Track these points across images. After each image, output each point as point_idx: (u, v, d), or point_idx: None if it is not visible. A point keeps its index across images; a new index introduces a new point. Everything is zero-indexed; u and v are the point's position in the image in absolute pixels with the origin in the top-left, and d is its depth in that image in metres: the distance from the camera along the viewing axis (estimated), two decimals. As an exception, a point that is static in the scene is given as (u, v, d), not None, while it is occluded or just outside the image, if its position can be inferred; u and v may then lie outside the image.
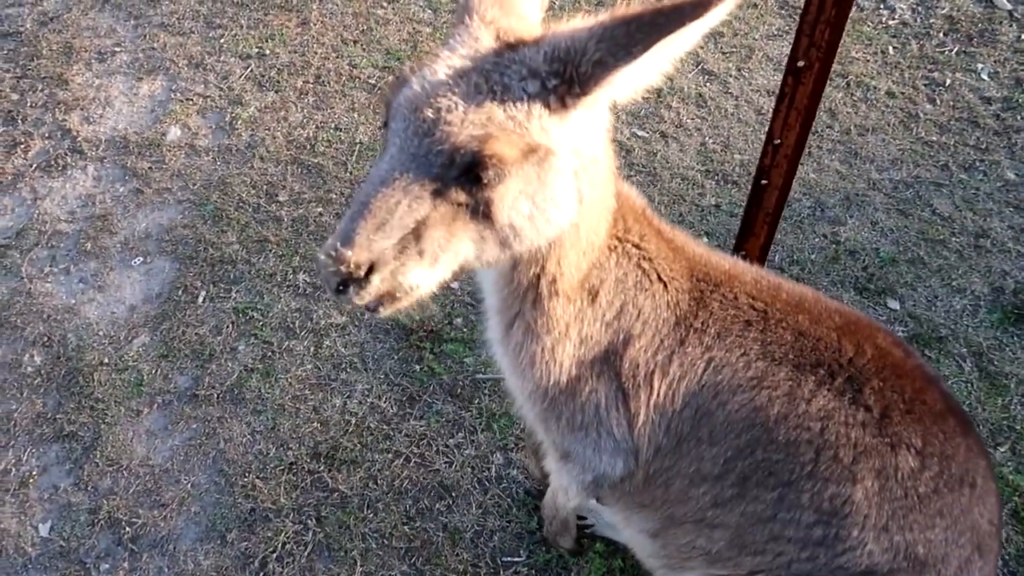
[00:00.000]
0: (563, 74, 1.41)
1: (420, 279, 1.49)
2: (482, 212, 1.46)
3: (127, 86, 4.46)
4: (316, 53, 4.64)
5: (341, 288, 1.44)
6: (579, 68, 1.39)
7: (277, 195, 3.85)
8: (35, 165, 4.01)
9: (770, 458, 1.76)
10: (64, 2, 5.02)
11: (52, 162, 4.03)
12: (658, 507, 1.98)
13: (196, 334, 3.31)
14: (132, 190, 3.90)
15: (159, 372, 3.19)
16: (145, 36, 4.78)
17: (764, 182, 2.46)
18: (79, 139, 4.14)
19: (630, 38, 1.35)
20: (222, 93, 4.41)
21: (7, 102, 4.34)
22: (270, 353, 3.24)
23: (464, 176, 1.41)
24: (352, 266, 1.39)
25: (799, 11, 5.03)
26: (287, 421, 3.03)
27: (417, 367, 3.17)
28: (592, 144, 1.55)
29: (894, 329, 3.26)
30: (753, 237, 2.62)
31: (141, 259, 3.61)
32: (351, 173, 3.94)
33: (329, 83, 4.45)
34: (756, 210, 2.55)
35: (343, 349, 3.24)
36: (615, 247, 1.77)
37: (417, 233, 1.43)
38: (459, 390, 3.09)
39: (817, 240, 3.62)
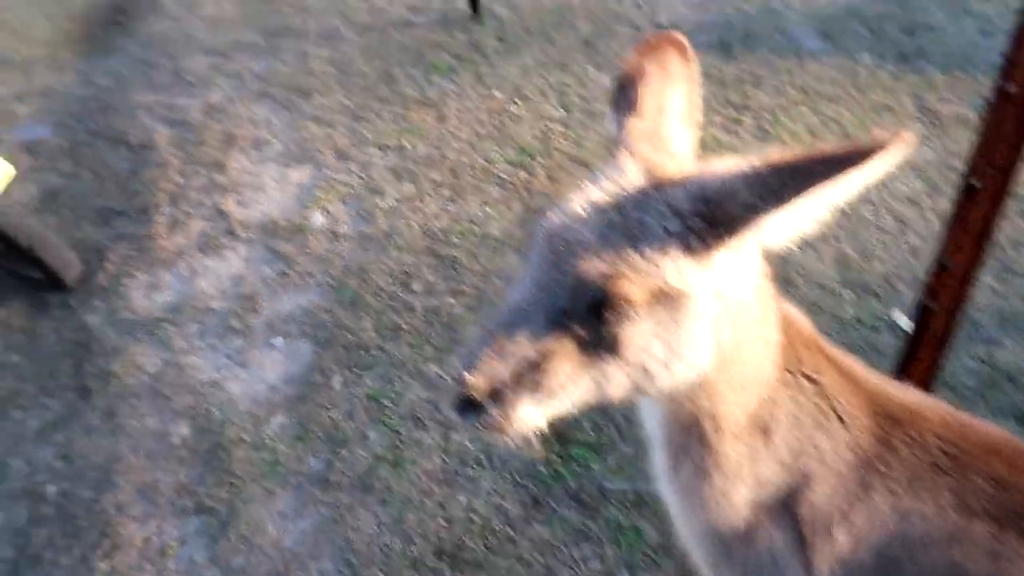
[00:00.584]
0: (707, 215, 1.37)
1: (532, 412, 1.47)
2: (609, 349, 1.43)
3: (278, 173, 4.79)
4: (452, 147, 4.86)
5: (460, 410, 1.44)
6: (725, 210, 1.35)
7: (411, 284, 3.99)
8: (194, 244, 4.33)
9: None
10: (228, 95, 5.48)
11: (209, 243, 4.33)
12: None
13: (330, 418, 3.42)
14: (278, 272, 4.14)
15: (294, 453, 3.30)
16: (297, 127, 5.15)
17: (931, 305, 2.35)
18: (233, 222, 4.45)
19: (783, 184, 1.30)
20: (363, 182, 4.66)
21: (173, 184, 4.73)
22: (399, 443, 3.30)
23: (590, 312, 1.39)
24: (471, 390, 1.40)
25: (937, 115, 4.93)
26: (413, 515, 3.05)
27: (543, 469, 3.15)
28: (738, 287, 1.49)
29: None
30: (916, 362, 2.50)
31: (282, 339, 3.79)
32: (483, 266, 4.04)
33: (463, 176, 4.63)
34: (922, 333, 2.44)
35: (469, 444, 3.27)
36: (788, 381, 1.67)
37: (538, 365, 1.42)
38: (585, 497, 3.04)
39: (971, 363, 3.42)
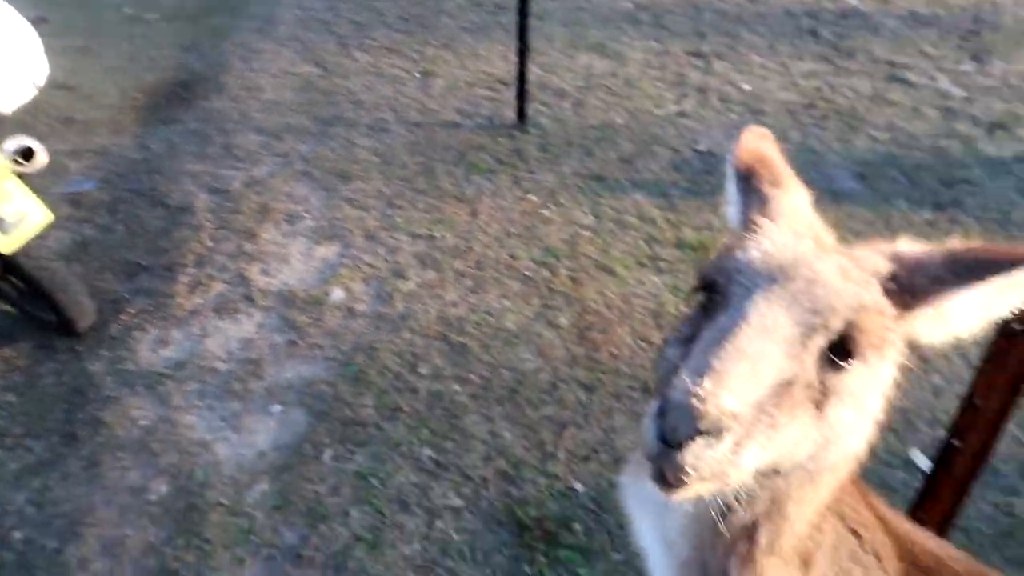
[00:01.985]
0: (899, 280, 1.29)
1: (754, 461, 1.22)
2: (818, 404, 1.24)
3: (306, 247, 4.85)
4: (480, 240, 4.90)
5: (691, 439, 1.14)
6: (915, 280, 1.29)
7: (418, 367, 3.92)
8: (210, 306, 4.34)
9: None
10: (271, 170, 5.66)
11: (225, 306, 4.35)
12: None
13: (314, 491, 3.28)
14: (287, 341, 4.11)
15: (270, 523, 3.15)
16: (331, 206, 5.26)
17: (956, 443, 2.21)
18: (253, 288, 4.47)
19: (978, 263, 1.26)
20: (388, 265, 4.69)
21: (202, 247, 4.81)
22: (381, 524, 3.14)
23: (829, 350, 1.24)
24: (724, 412, 1.12)
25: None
26: (383, 602, 2.86)
27: (527, 568, 2.95)
28: (895, 370, 1.36)
29: (1092, 637, 2.73)
30: (935, 501, 2.32)
31: (280, 407, 3.71)
32: (493, 357, 3.97)
33: (487, 269, 4.64)
34: (944, 473, 2.28)
35: (454, 534, 3.09)
36: (832, 506, 1.50)
37: (774, 401, 1.20)
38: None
39: (988, 509, 3.19)
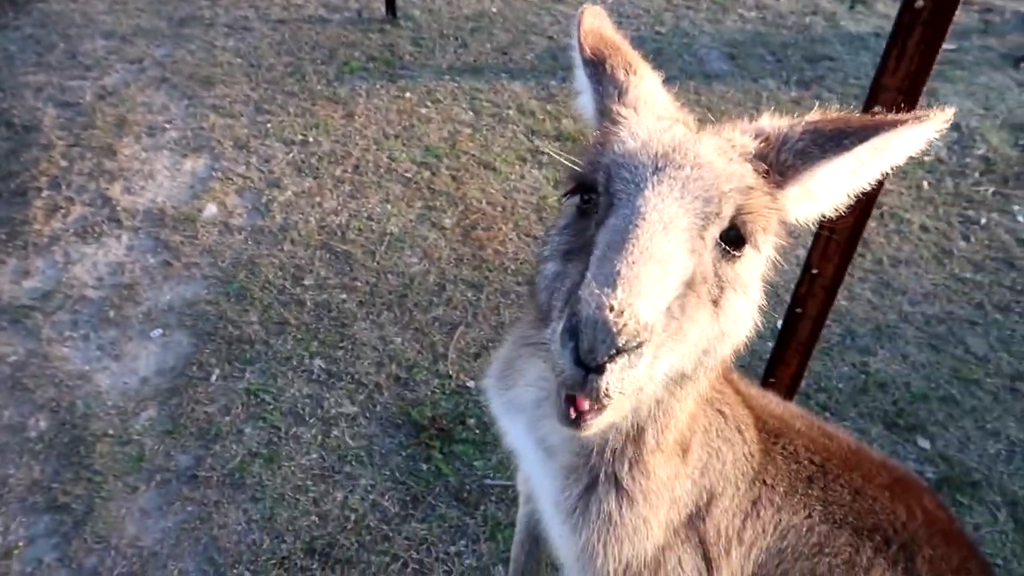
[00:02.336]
0: (768, 159, 1.29)
1: (666, 367, 1.17)
2: (715, 299, 1.23)
3: (172, 161, 4.59)
4: (357, 144, 4.76)
5: (613, 359, 1.05)
6: (780, 155, 1.28)
7: (303, 279, 3.87)
8: (72, 230, 4.08)
9: None
10: (124, 78, 5.25)
11: (88, 228, 4.10)
12: None
13: (204, 412, 3.25)
14: (161, 262, 3.94)
15: (162, 448, 3.12)
16: (196, 116, 4.96)
17: (798, 311, 2.40)
18: (118, 208, 4.23)
19: (841, 133, 1.27)
20: (262, 175, 4.51)
21: (56, 168, 4.47)
22: (276, 439, 3.16)
23: (723, 238, 1.23)
24: (643, 323, 1.04)
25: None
26: (285, 512, 2.92)
27: (424, 466, 3.07)
28: (773, 252, 1.37)
29: (924, 470, 3.11)
30: (784, 366, 2.54)
31: (160, 331, 3.60)
32: (378, 263, 3.95)
33: (367, 174, 4.54)
34: (789, 339, 2.48)
35: (351, 441, 3.15)
36: (702, 393, 1.55)
37: (681, 302, 1.15)
38: (465, 494, 2.97)
39: (846, 369, 3.52)
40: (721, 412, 1.63)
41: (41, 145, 4.63)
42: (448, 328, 3.63)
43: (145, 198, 4.32)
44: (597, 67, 1.49)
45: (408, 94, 5.24)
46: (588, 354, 1.04)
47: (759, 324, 1.37)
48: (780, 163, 1.28)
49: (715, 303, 1.23)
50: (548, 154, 4.73)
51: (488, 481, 3.00)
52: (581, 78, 1.53)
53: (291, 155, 4.66)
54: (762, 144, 1.30)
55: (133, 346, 3.54)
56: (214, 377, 3.40)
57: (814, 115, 1.33)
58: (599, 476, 1.51)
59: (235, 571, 2.75)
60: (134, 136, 4.76)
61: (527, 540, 2.28)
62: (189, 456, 3.10)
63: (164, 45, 5.64)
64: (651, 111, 1.41)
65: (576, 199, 1.35)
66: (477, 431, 3.18)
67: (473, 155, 4.71)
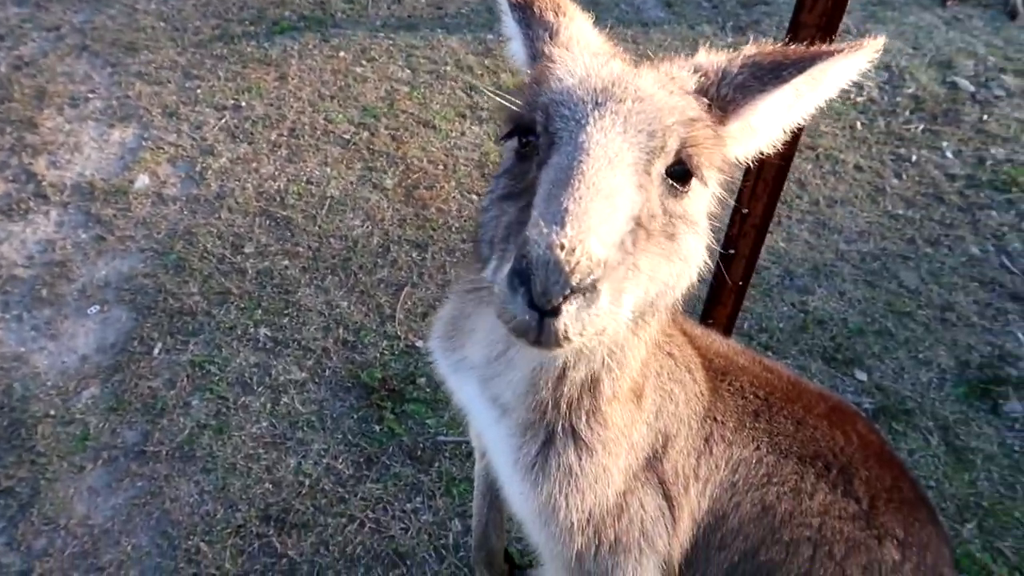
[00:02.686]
0: (708, 94, 1.27)
1: (631, 305, 1.14)
2: (669, 234, 1.21)
3: (98, 132, 4.42)
4: (292, 107, 4.65)
5: (567, 300, 1.01)
6: (720, 90, 1.26)
7: (243, 247, 3.79)
8: (-4, 208, 3.93)
9: (772, 559, 1.66)
10: (42, 47, 5.01)
11: (14, 206, 3.94)
12: None
13: (149, 387, 3.20)
14: (94, 237, 3.82)
15: (107, 426, 3.07)
16: (121, 84, 4.77)
17: (731, 252, 2.45)
18: (44, 183, 4.07)
19: (778, 65, 1.26)
20: (194, 143, 4.38)
21: (-27, 144, 4.27)
22: (224, 409, 3.13)
23: (669, 174, 1.21)
24: (594, 261, 0.99)
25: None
26: (238, 481, 2.90)
27: (377, 427, 3.07)
28: (718, 188, 1.36)
29: (862, 401, 3.23)
30: (720, 306, 2.60)
31: (98, 308, 3.51)
32: (320, 227, 3.90)
33: (303, 137, 4.44)
34: (723, 280, 2.54)
35: (301, 407, 3.14)
36: (652, 337, 1.55)
37: (633, 237, 1.12)
38: (419, 452, 2.99)
39: (786, 309, 3.61)
40: (671, 354, 1.65)
41: (-44, 121, 4.42)
42: (394, 289, 3.61)
43: (72, 172, 4.16)
44: (525, 10, 1.46)
45: (342, 53, 5.12)
46: (541, 296, 1.00)
47: (707, 261, 1.37)
48: (721, 98, 1.26)
49: (669, 238, 1.21)
50: (488, 109, 4.68)
51: (441, 438, 3.03)
52: (510, 24, 1.50)
53: (224, 120, 4.53)
54: (702, 79, 1.29)
55: (70, 324, 3.45)
56: (157, 351, 3.34)
57: (751, 49, 1.32)
58: (556, 430, 1.50)
59: (190, 543, 2.74)
60: (56, 108, 4.56)
61: (487, 492, 2.30)
62: (136, 432, 3.06)
63: (82, 11, 5.38)
64: (585, 49, 1.38)
65: (515, 142, 1.32)
66: (428, 390, 3.19)
67: (412, 113, 4.64)
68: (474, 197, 4.11)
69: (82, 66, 4.90)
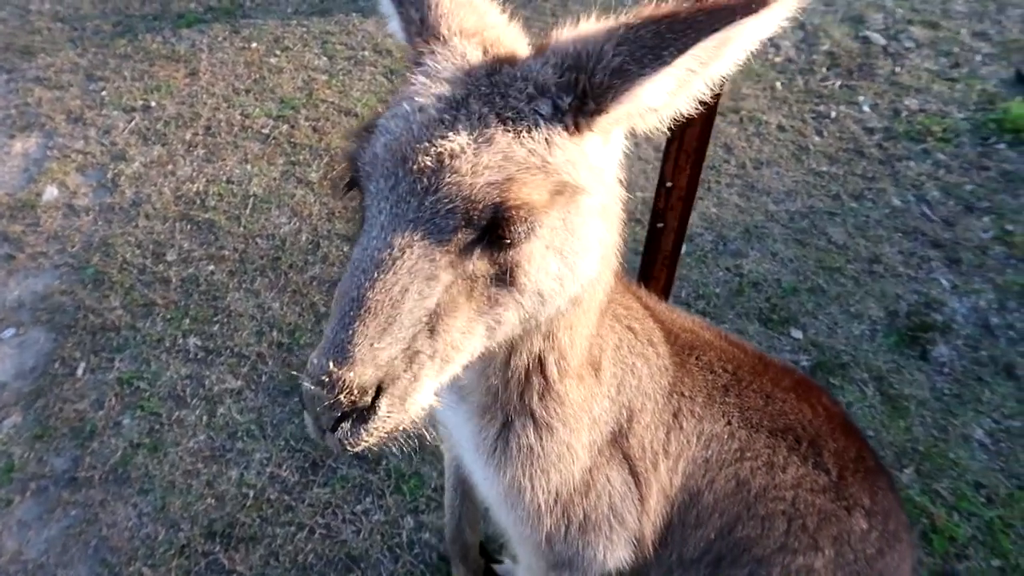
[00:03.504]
0: (576, 88, 1.12)
1: (430, 392, 1.15)
2: (503, 280, 1.13)
3: (-3, 145, 4.18)
4: (206, 104, 4.47)
5: (338, 424, 1.07)
6: (593, 78, 1.10)
7: (165, 254, 3.64)
8: None
9: (748, 535, 1.67)
10: (-74, 57, 4.71)
11: (-89, 230, 3.71)
12: None
13: (75, 410, 3.05)
14: (3, 256, 3.62)
15: (33, 455, 2.92)
16: (19, 91, 4.52)
17: (660, 225, 2.44)
18: (-58, 203, 3.83)
19: (660, 40, 1.06)
20: (104, 149, 4.18)
21: None
22: (158, 426, 3.01)
23: (484, 237, 1.10)
24: (356, 392, 1.04)
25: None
26: (178, 499, 2.80)
27: (319, 430, 3.00)
28: (611, 178, 1.26)
29: (799, 359, 3.30)
30: (653, 280, 2.60)
31: (13, 331, 3.33)
32: (244, 228, 3.76)
33: (220, 134, 4.28)
34: (655, 253, 2.53)
35: (239, 416, 3.04)
36: (605, 309, 1.51)
37: (429, 329, 1.10)
38: (366, 453, 2.93)
39: (721, 274, 3.65)
40: (630, 328, 1.62)
41: None
42: (328, 286, 3.52)
43: (-28, 188, 3.93)
44: None
45: (254, 44, 4.94)
46: (315, 422, 1.08)
47: (613, 251, 1.33)
48: (595, 87, 1.10)
49: (505, 283, 1.14)
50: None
51: (386, 434, 2.97)
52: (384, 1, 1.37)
53: (133, 123, 4.33)
54: (568, 70, 1.12)
55: (-16, 351, 3.26)
56: (81, 371, 3.19)
57: (635, 17, 1.11)
58: (512, 412, 1.49)
59: (131, 568, 2.63)
60: (-51, 121, 4.30)
61: (458, 485, 2.26)
62: (64, 458, 2.92)
63: (-31, 15, 5.07)
64: (458, 32, 1.24)
65: (353, 194, 1.23)
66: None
67: (332, 103, 4.51)
68: (403, 185, 4.02)
69: (-26, 75, 4.61)
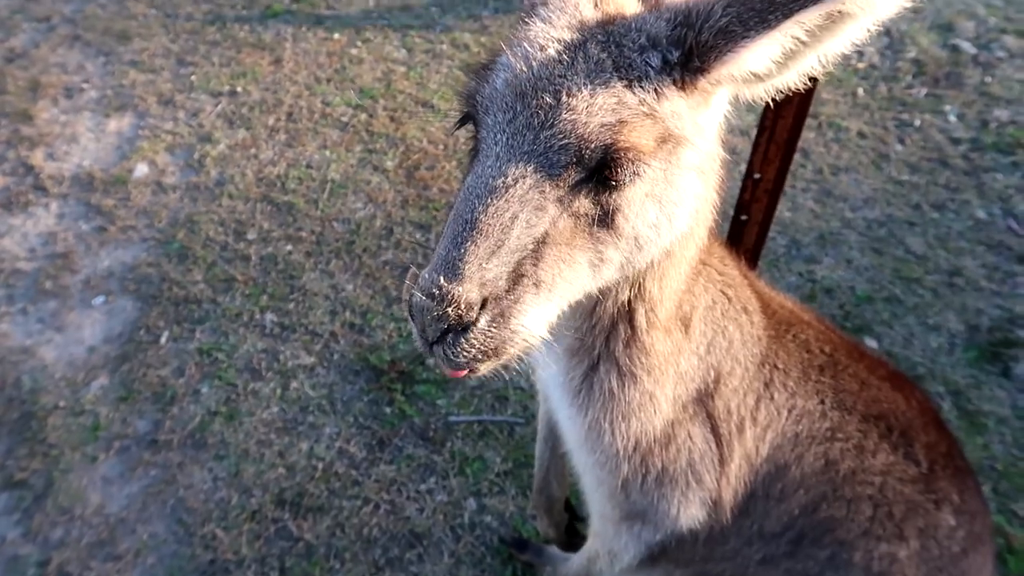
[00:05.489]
0: (686, 45, 1.14)
1: (535, 318, 1.19)
2: (605, 221, 1.17)
3: (94, 123, 4.38)
4: (288, 91, 4.60)
5: (443, 337, 1.13)
6: (700, 36, 1.12)
7: (245, 233, 3.77)
8: (-5, 202, 3.90)
9: (832, 515, 1.66)
10: (33, 39, 4.96)
11: (13, 199, 3.92)
12: (697, 563, 1.80)
13: (158, 376, 3.19)
14: (96, 228, 3.80)
15: (117, 416, 3.06)
16: (115, 73, 4.72)
17: (744, 218, 2.42)
18: (42, 176, 4.04)
19: (768, 4, 1.07)
20: (192, 130, 4.34)
21: (-31, 138, 4.24)
22: (234, 396, 3.12)
23: (592, 177, 1.14)
24: (463, 306, 1.10)
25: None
26: (251, 467, 2.90)
27: (388, 409, 3.07)
28: (712, 137, 1.28)
29: (872, 368, 3.23)
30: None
31: (103, 298, 3.49)
32: (322, 211, 3.87)
33: (301, 121, 4.41)
34: (736, 247, 2.51)
35: (311, 391, 3.13)
36: (700, 270, 1.53)
37: (535, 257, 1.15)
38: (431, 433, 2.99)
39: (793, 279, 3.60)
40: (724, 292, 1.62)
41: (-50, 115, 4.38)
42: (399, 271, 3.59)
43: (70, 163, 4.13)
44: None
45: (336, 35, 5.06)
46: (421, 333, 1.15)
47: (709, 208, 1.34)
48: (701, 45, 1.13)
49: (605, 225, 1.18)
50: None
51: (452, 418, 3.02)
52: None
53: (220, 107, 4.49)
54: (678, 27, 1.15)
55: (76, 316, 3.43)
56: (164, 340, 3.32)
57: None
58: (598, 356, 1.52)
59: (206, 529, 2.74)
60: (50, 99, 4.52)
61: (549, 436, 2.28)
62: (146, 421, 3.05)
63: (72, 0, 5.32)
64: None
65: (467, 130, 1.28)
66: (437, 371, 3.18)
67: (409, 94, 4.60)
68: (476, 176, 4.07)
69: (75, 56, 4.85)
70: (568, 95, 1.12)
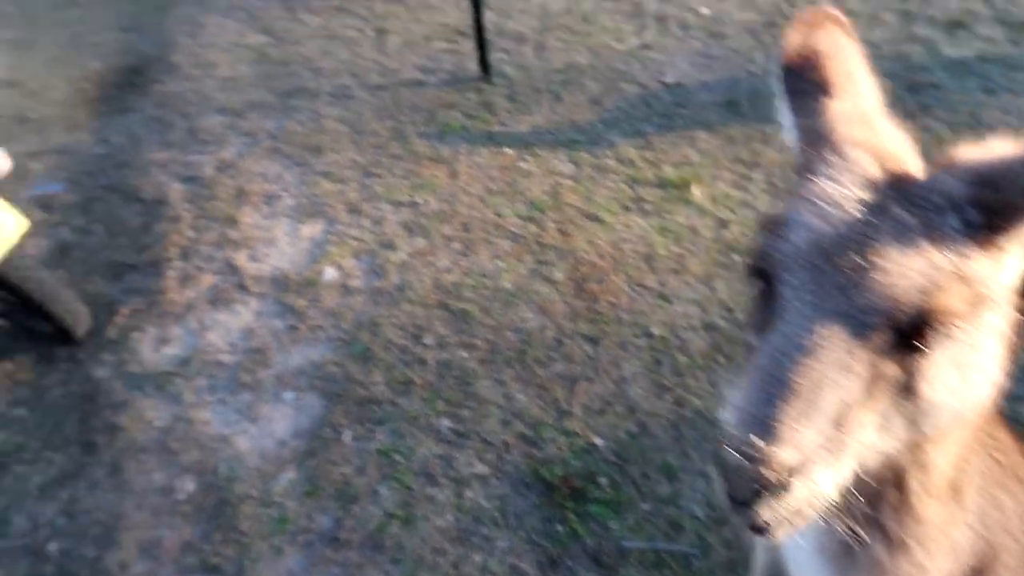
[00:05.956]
0: (985, 205, 1.12)
1: (832, 482, 1.16)
2: (908, 388, 1.14)
3: (290, 228, 4.81)
4: (463, 202, 4.89)
5: (754, 499, 1.10)
6: (1003, 195, 1.11)
7: (423, 338, 3.96)
8: (204, 298, 4.31)
9: None
10: (240, 151, 5.55)
11: (219, 296, 4.32)
12: None
13: (341, 473, 3.35)
14: (288, 326, 4.11)
15: (303, 510, 3.22)
16: (308, 183, 5.19)
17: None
18: (244, 276, 4.45)
19: None
20: (375, 237, 4.67)
21: (184, 239, 4.75)
22: (411, 500, 3.22)
23: (899, 341, 1.12)
24: (782, 470, 1.07)
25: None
26: (426, 574, 2.96)
27: (559, 527, 3.06)
28: (1009, 297, 1.22)
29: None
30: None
31: (293, 394, 3.74)
32: (495, 319, 4.02)
33: (475, 230, 4.65)
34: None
35: (484, 502, 3.19)
36: (973, 438, 1.42)
37: (838, 419, 1.12)
38: (604, 557, 2.95)
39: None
40: (995, 458, 1.50)
41: (169, 218, 4.94)
42: (570, 383, 3.65)
43: (269, 264, 4.53)
44: (794, 84, 1.34)
45: (507, 149, 5.36)
46: (730, 492, 1.11)
47: (1002, 376, 1.24)
48: (1005, 204, 1.10)
49: (905, 390, 1.14)
50: (651, 202, 4.74)
51: (626, 543, 2.98)
52: (781, 104, 1.38)
53: (401, 216, 4.82)
54: (977, 187, 1.12)
55: (268, 409, 3.69)
56: (346, 438, 3.50)
57: None
58: (860, 521, 1.37)
59: (382, 634, 2.80)
60: (253, 205, 5.01)
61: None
62: (329, 517, 3.19)
63: (274, 117, 5.94)
64: (844, 161, 1.23)
65: (756, 283, 1.27)
66: (610, 490, 3.16)
67: (577, 207, 4.76)
68: (643, 290, 4.13)
69: (275, 167, 5.38)
70: (878, 256, 1.10)
